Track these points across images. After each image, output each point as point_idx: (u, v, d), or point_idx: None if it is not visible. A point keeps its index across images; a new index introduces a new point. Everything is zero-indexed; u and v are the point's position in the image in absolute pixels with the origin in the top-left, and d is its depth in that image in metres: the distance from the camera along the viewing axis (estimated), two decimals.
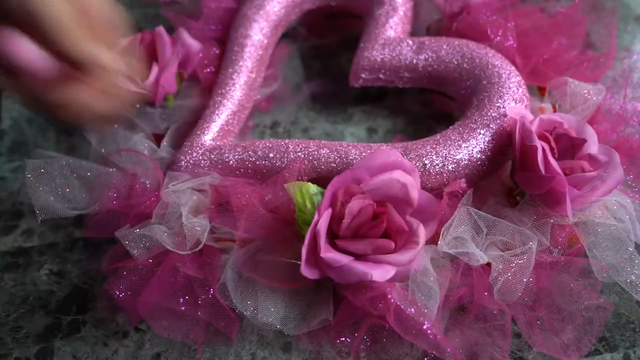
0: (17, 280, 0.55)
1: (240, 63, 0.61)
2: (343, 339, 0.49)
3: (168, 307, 0.48)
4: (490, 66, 0.58)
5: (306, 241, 0.47)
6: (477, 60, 0.58)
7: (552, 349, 0.50)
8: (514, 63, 0.60)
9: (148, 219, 0.52)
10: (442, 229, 0.50)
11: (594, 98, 0.57)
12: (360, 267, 0.47)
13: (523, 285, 0.49)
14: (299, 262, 0.49)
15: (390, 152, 0.51)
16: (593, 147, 0.52)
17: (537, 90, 0.63)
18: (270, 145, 0.55)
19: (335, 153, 0.54)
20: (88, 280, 0.55)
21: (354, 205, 0.48)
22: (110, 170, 0.56)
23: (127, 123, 0.60)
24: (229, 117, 0.59)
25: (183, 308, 0.48)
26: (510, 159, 0.56)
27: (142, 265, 0.50)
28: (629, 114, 0.59)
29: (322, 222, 0.47)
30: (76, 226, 0.58)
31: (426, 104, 0.67)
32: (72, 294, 0.54)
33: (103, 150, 0.58)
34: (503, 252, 0.50)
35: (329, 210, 0.48)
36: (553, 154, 0.50)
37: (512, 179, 0.55)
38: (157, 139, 0.60)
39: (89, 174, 0.56)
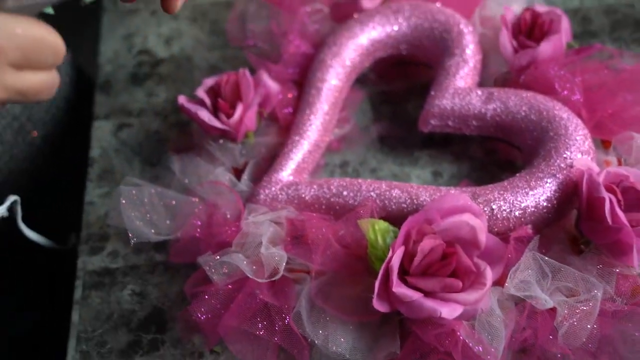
0: (103, 298, 0.59)
1: (317, 105, 0.64)
2: None
3: (246, 330, 0.52)
4: (557, 118, 0.60)
5: (379, 276, 0.50)
6: (545, 113, 0.61)
7: None
8: (580, 116, 0.62)
9: (227, 247, 0.56)
10: (510, 272, 0.52)
11: None
12: (430, 303, 0.49)
13: (587, 331, 0.50)
14: (369, 296, 0.52)
15: (460, 196, 0.54)
16: None
17: (601, 143, 0.65)
18: (344, 184, 0.59)
19: (406, 194, 0.57)
20: (167, 302, 0.59)
21: (426, 244, 0.51)
22: (193, 199, 0.60)
23: (208, 156, 0.64)
24: (305, 155, 0.62)
25: (261, 332, 0.51)
26: (575, 209, 0.58)
27: (222, 290, 0.54)
28: None
29: (396, 259, 0.50)
30: (157, 250, 0.62)
31: (490, 152, 0.69)
32: (152, 314, 0.58)
33: (186, 181, 0.62)
34: (568, 297, 0.52)
35: (402, 248, 0.51)
36: (620, 206, 0.52)
37: (577, 228, 0.56)
38: (236, 173, 0.64)
39: (173, 202, 0.60)
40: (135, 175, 0.68)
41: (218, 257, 0.55)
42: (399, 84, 0.76)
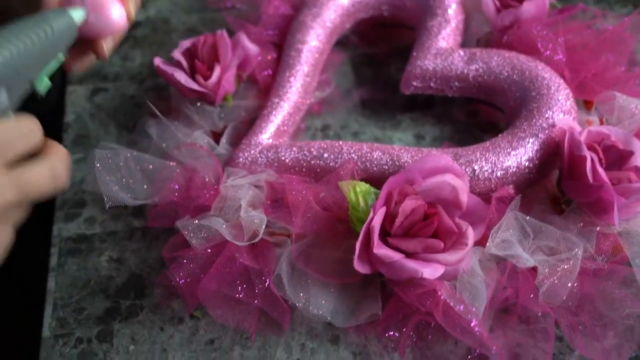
0: (79, 265, 0.58)
1: (297, 67, 0.63)
2: (391, 333, 0.51)
3: (226, 294, 0.51)
4: (539, 78, 0.59)
5: (360, 237, 0.50)
6: (527, 73, 0.60)
7: (594, 353, 0.51)
8: (562, 76, 0.61)
9: (206, 212, 0.55)
10: (491, 232, 0.51)
11: None
12: (411, 264, 0.49)
13: (568, 289, 0.50)
14: (351, 258, 0.52)
15: (442, 157, 0.53)
16: (639, 159, 0.54)
17: (583, 103, 0.65)
18: (325, 146, 0.58)
19: (388, 155, 0.57)
20: (145, 268, 0.58)
21: (407, 205, 0.50)
22: (171, 164, 0.59)
23: (186, 120, 0.63)
24: (285, 118, 0.61)
25: (241, 296, 0.51)
26: (557, 168, 0.57)
27: (201, 255, 0.53)
28: None
29: (377, 220, 0.49)
30: (135, 216, 0.61)
31: (472, 114, 0.69)
32: (130, 280, 0.57)
33: (164, 145, 0.61)
34: (549, 257, 0.52)
35: (383, 209, 0.50)
36: (601, 164, 0.52)
37: (558, 188, 0.56)
38: (215, 136, 0.63)
39: (151, 166, 0.59)
40: (112, 140, 0.67)
41: (197, 221, 0.54)
42: (381, 46, 0.75)
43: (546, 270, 0.50)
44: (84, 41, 0.49)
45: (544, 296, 0.50)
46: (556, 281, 0.50)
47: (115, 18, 0.48)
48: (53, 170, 0.38)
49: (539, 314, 0.51)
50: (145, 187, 0.58)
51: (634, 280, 0.53)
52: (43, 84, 0.43)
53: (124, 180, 0.57)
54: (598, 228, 0.52)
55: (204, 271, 0.52)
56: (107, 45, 0.50)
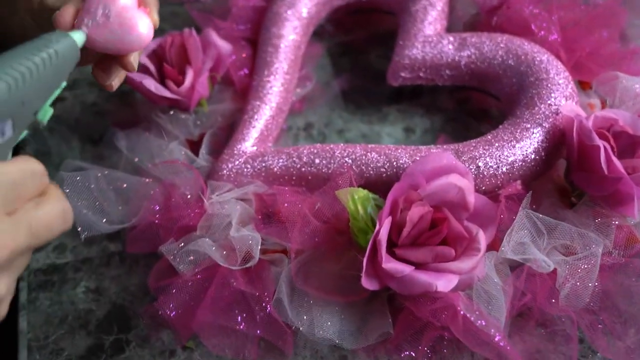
0: (52, 299, 0.52)
1: (276, 65, 0.58)
2: (407, 352, 0.47)
3: (225, 325, 0.46)
4: (537, 62, 0.56)
5: (367, 252, 0.46)
6: (523, 57, 0.56)
7: (617, 354, 0.48)
8: (558, 58, 0.58)
9: (192, 232, 0.50)
10: (505, 234, 0.48)
11: None
12: (424, 277, 0.45)
13: (590, 290, 0.47)
14: (354, 273, 0.48)
15: (443, 155, 0.49)
16: None
17: (579, 84, 0.61)
18: (316, 151, 0.53)
19: (384, 157, 0.52)
20: (127, 297, 0.53)
21: (414, 212, 0.46)
22: (147, 180, 0.54)
23: (159, 130, 0.57)
24: (268, 121, 0.56)
25: (242, 327, 0.46)
26: (563, 158, 0.54)
27: (192, 282, 0.48)
28: None
29: (383, 232, 0.45)
30: (110, 240, 0.55)
31: (462, 102, 0.65)
32: (112, 312, 0.52)
33: (137, 159, 0.55)
34: (565, 256, 0.48)
35: (389, 219, 0.46)
36: (614, 153, 0.48)
37: (567, 180, 0.53)
38: (192, 145, 0.57)
39: (125, 185, 0.53)
40: (76, 156, 0.61)
41: (182, 244, 0.49)
42: (359, 34, 0.71)
43: (566, 272, 0.47)
44: (109, 56, 0.46)
45: (566, 299, 0.47)
46: (578, 283, 0.47)
47: (144, 33, 0.44)
48: (63, 210, 0.35)
49: (556, 316, 0.48)
50: (120, 208, 0.53)
51: None
52: (47, 114, 0.40)
53: (97, 203, 0.52)
54: (616, 222, 0.49)
55: (195, 300, 0.48)
56: (134, 58, 0.46)
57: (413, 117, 0.64)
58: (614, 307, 0.50)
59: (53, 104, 0.40)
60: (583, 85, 0.61)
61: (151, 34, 0.45)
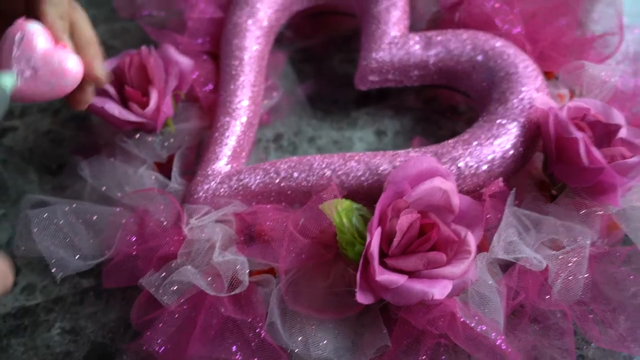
0: (26, 345, 0.49)
1: (242, 78, 0.56)
2: None
3: (219, 356, 0.44)
4: (505, 56, 0.55)
5: (360, 266, 0.44)
6: (490, 52, 0.56)
7: (611, 343, 0.48)
8: (524, 50, 0.58)
9: (171, 260, 0.48)
10: (495, 234, 0.47)
11: (612, 79, 0.55)
12: (419, 286, 0.44)
13: (581, 283, 0.47)
14: (344, 289, 0.46)
15: (424, 159, 0.48)
16: (623, 130, 0.51)
17: (544, 75, 0.61)
18: (293, 165, 0.51)
19: (364, 165, 0.51)
20: (107, 335, 0.50)
21: (403, 221, 0.45)
22: (118, 210, 0.51)
23: (124, 155, 0.54)
24: (240, 137, 0.54)
25: (238, 356, 0.44)
26: (540, 152, 0.54)
27: (178, 313, 0.46)
28: (638, 90, 0.59)
29: (374, 244, 0.44)
30: (82, 276, 0.52)
31: (429, 100, 0.64)
32: (92, 352, 0.49)
33: (104, 188, 0.52)
34: (553, 250, 0.48)
35: (379, 230, 0.45)
36: (592, 144, 0.49)
37: (546, 173, 0.53)
38: (160, 168, 0.55)
39: (95, 217, 0.50)
40: (34, 189, 0.58)
41: (164, 274, 0.46)
42: (319, 38, 0.69)
43: (557, 267, 0.47)
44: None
45: (559, 295, 0.47)
46: (570, 277, 0.47)
47: (76, 69, 0.43)
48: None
49: (553, 312, 0.48)
50: (92, 241, 0.50)
51: (632, 257, 0.50)
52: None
53: (67, 239, 0.49)
54: (600, 212, 0.49)
55: (184, 332, 0.45)
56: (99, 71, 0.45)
57: (383, 119, 0.63)
58: (602, 297, 0.50)
59: (4, 135, 0.38)
60: (547, 76, 0.61)
61: (81, 66, 0.43)
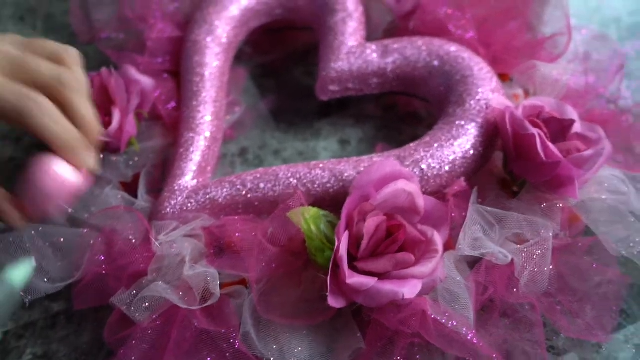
0: None
1: (204, 94, 0.57)
2: None
3: None
4: (460, 60, 0.57)
5: (330, 271, 0.45)
6: (446, 56, 0.57)
7: (579, 332, 0.50)
8: (477, 54, 0.59)
9: (142, 277, 0.48)
10: (460, 232, 0.48)
11: (564, 78, 0.57)
12: (389, 286, 0.45)
13: (547, 275, 0.48)
14: (316, 295, 0.47)
15: (387, 163, 0.49)
16: (577, 125, 0.53)
17: (498, 77, 0.63)
18: (259, 176, 0.52)
19: (329, 172, 0.52)
20: (81, 357, 0.49)
21: (370, 224, 0.46)
22: (85, 231, 0.51)
23: None
24: (205, 152, 0.54)
25: None
26: (499, 150, 0.55)
27: (151, 329, 0.45)
28: (590, 88, 0.61)
29: (342, 247, 0.45)
30: (52, 299, 0.52)
31: (389, 108, 0.65)
32: None
33: (70, 210, 0.52)
34: (518, 244, 0.49)
35: (346, 234, 0.46)
36: (548, 139, 0.50)
37: (506, 171, 0.54)
38: (126, 188, 0.55)
39: (62, 239, 0.50)
40: None
41: (134, 291, 0.46)
42: (277, 54, 0.70)
43: (522, 260, 0.48)
44: None
45: (526, 287, 0.48)
46: (535, 269, 0.48)
47: (75, 181, 0.47)
48: None
49: (517, 304, 0.49)
50: (59, 264, 0.50)
51: (594, 248, 0.52)
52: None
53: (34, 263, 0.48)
54: (560, 204, 0.50)
55: (158, 348, 0.45)
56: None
57: (344, 128, 0.64)
58: (568, 288, 0.51)
59: None
60: (502, 78, 0.63)
61: (81, 177, 0.47)
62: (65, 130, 0.45)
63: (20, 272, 0.41)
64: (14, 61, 0.45)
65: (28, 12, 0.74)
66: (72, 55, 0.48)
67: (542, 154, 0.49)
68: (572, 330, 0.49)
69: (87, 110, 0.47)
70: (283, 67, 0.69)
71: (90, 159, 0.47)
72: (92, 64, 0.62)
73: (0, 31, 0.71)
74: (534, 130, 0.50)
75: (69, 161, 0.46)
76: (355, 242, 0.46)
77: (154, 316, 0.46)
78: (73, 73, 0.47)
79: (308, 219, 0.48)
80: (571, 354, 0.50)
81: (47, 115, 0.44)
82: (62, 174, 0.46)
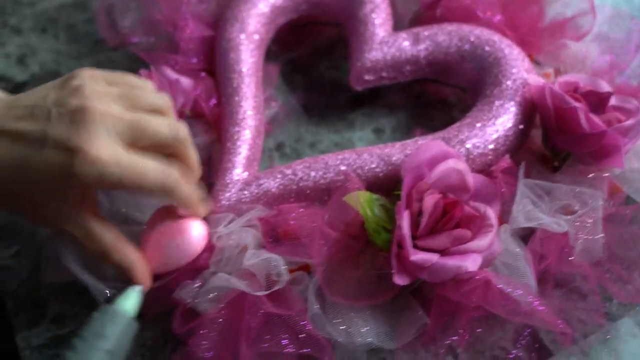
0: None
1: (244, 89, 0.57)
2: (448, 340, 0.48)
3: (273, 351, 0.45)
4: (491, 43, 0.58)
5: (393, 250, 0.46)
6: (477, 40, 0.59)
7: (631, 297, 0.51)
8: (506, 36, 0.61)
9: (204, 270, 0.48)
10: (513, 206, 0.49)
11: (592, 55, 0.59)
12: (452, 261, 0.46)
13: (600, 243, 0.49)
14: (377, 273, 0.48)
15: (434, 144, 0.50)
16: (613, 99, 0.54)
17: None
18: (309, 165, 0.53)
19: (377, 157, 0.53)
20: (146, 352, 0.49)
21: (428, 201, 0.47)
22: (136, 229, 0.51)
23: None
24: (251, 145, 0.55)
25: (290, 348, 0.45)
26: (536, 128, 0.57)
27: (221, 318, 0.46)
28: (614, 64, 0.62)
29: (405, 225, 0.46)
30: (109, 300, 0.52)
31: (419, 95, 0.67)
32: None
33: (124, 210, 0.52)
34: (568, 215, 0.51)
35: (407, 212, 0.47)
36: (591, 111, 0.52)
37: (547, 147, 0.56)
38: None
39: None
40: None
41: (199, 283, 0.47)
42: (303, 49, 0.71)
43: (575, 229, 0.49)
44: None
45: (580, 256, 0.49)
46: (589, 238, 0.49)
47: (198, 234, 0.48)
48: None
49: (575, 275, 0.50)
50: None
51: (637, 216, 0.53)
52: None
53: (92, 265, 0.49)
54: (607, 174, 0.52)
55: (227, 336, 0.46)
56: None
57: (378, 118, 0.65)
58: (615, 256, 0.52)
59: None
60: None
61: (204, 230, 0.49)
62: (194, 190, 0.47)
63: (132, 301, 0.43)
64: (132, 126, 0.43)
65: (49, 23, 0.74)
66: (167, 102, 0.47)
67: (586, 126, 0.51)
68: (623, 295, 0.51)
69: (196, 159, 0.48)
70: (309, 63, 0.70)
71: (208, 205, 0.49)
72: (119, 70, 0.62)
73: (24, 44, 0.71)
74: (576, 104, 0.51)
75: (194, 214, 0.48)
76: (416, 221, 0.47)
77: (220, 306, 0.46)
78: (181, 125, 0.46)
79: (364, 202, 0.49)
80: (625, 319, 0.51)
81: (182, 186, 0.45)
82: (199, 235, 0.48)
